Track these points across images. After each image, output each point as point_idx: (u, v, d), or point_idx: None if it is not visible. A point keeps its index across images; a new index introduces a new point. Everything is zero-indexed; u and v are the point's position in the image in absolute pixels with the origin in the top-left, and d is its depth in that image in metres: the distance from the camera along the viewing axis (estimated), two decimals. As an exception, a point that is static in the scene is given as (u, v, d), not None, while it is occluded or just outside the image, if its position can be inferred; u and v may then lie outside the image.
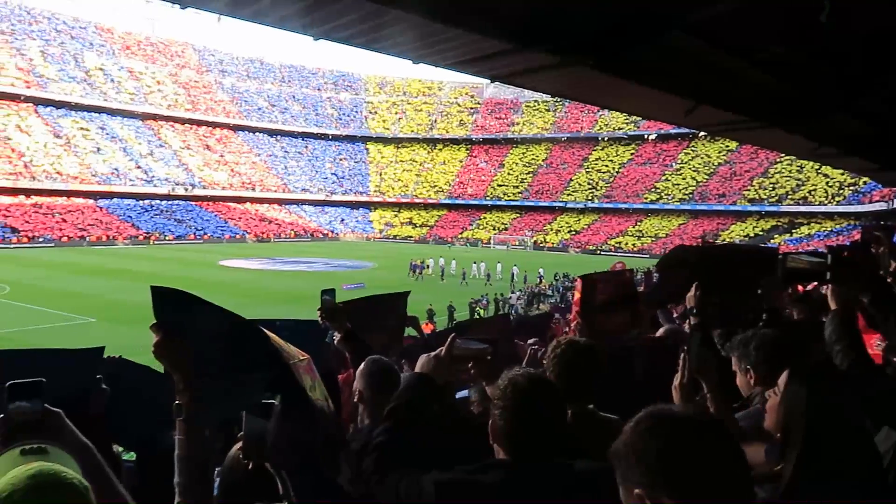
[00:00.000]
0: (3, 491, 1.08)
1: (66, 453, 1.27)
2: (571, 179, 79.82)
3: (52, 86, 70.30)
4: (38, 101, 68.83)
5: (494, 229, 75.89)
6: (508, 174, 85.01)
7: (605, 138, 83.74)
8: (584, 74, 5.55)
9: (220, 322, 1.85)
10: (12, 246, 50.79)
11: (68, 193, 61.68)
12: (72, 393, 2.13)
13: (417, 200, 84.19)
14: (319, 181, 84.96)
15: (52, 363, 2.34)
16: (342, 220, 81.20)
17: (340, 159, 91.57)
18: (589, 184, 77.80)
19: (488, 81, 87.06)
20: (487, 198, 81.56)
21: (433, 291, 30.30)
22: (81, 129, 69.98)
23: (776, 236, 58.02)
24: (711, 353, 2.67)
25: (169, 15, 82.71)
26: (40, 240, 53.47)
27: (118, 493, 1.40)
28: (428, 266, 41.92)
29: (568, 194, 77.39)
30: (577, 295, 3.87)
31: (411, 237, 76.50)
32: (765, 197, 64.94)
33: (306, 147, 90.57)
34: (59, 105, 70.27)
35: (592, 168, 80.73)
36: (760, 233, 60.99)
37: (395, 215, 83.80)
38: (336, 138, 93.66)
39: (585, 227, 72.28)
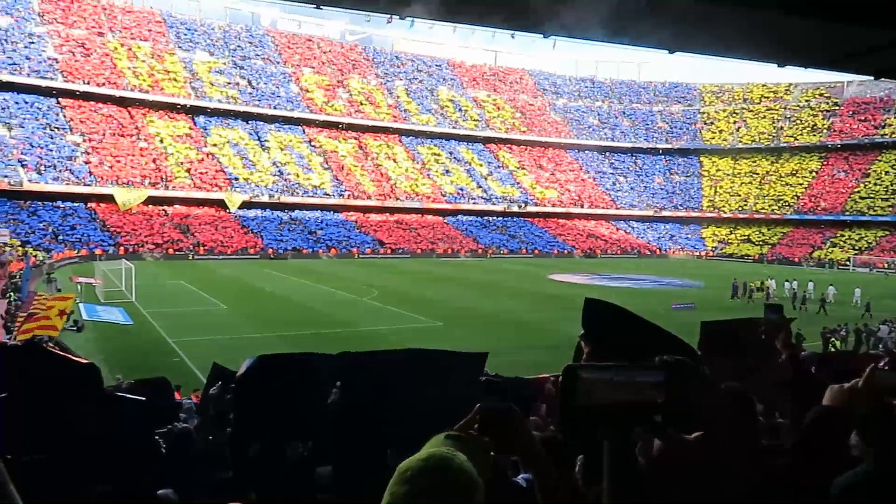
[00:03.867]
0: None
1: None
2: (966, 189, 64.94)
3: (412, 118, 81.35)
4: (402, 133, 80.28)
5: (854, 249, 65.45)
6: (875, 184, 72.62)
7: None
8: None
9: (649, 336, 1.80)
10: (380, 256, 59.86)
11: (422, 211, 70.46)
12: (466, 393, 2.30)
13: (757, 216, 76.88)
14: (648, 197, 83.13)
15: (450, 363, 2.59)
16: (671, 236, 78.13)
17: (671, 174, 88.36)
18: None
19: (849, 79, 75.38)
20: (846, 212, 70.73)
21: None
22: (434, 154, 79.42)
23: None
24: None
25: (509, 46, 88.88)
26: (399, 251, 61.97)
27: None
28: (766, 287, 37.66)
29: (960, 208, 63.11)
30: None
31: (748, 256, 70.08)
32: None
33: (635, 162, 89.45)
34: (417, 134, 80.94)
35: None
36: None
37: (731, 232, 77.70)
38: (667, 152, 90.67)
39: None
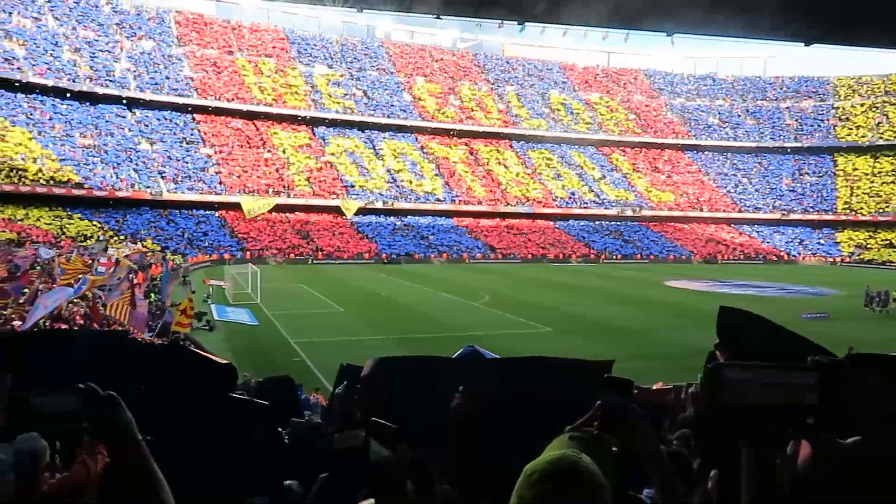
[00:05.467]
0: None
1: None
2: None
3: (523, 123, 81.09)
4: (512, 137, 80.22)
5: None
6: None
7: None
8: None
9: (790, 344, 1.72)
10: (490, 261, 60.03)
11: (533, 216, 69.97)
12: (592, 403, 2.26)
13: (901, 218, 70.47)
14: (774, 199, 78.19)
15: (575, 371, 2.56)
16: (801, 241, 73.03)
17: (801, 174, 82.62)
18: None
19: None
20: None
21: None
22: (545, 158, 78.72)
23: None
24: None
25: (622, 46, 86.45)
26: (510, 256, 61.85)
27: None
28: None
29: None
30: None
31: (891, 262, 64.27)
32: None
33: (759, 163, 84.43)
34: (528, 139, 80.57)
35: None
36: None
37: (870, 236, 71.56)
38: (796, 151, 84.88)
39: None
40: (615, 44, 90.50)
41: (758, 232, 74.34)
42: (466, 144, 77.65)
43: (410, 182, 68.85)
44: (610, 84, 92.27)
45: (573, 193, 73.93)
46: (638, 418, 1.48)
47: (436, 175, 71.05)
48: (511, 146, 79.56)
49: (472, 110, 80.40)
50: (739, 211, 76.31)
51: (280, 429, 3.81)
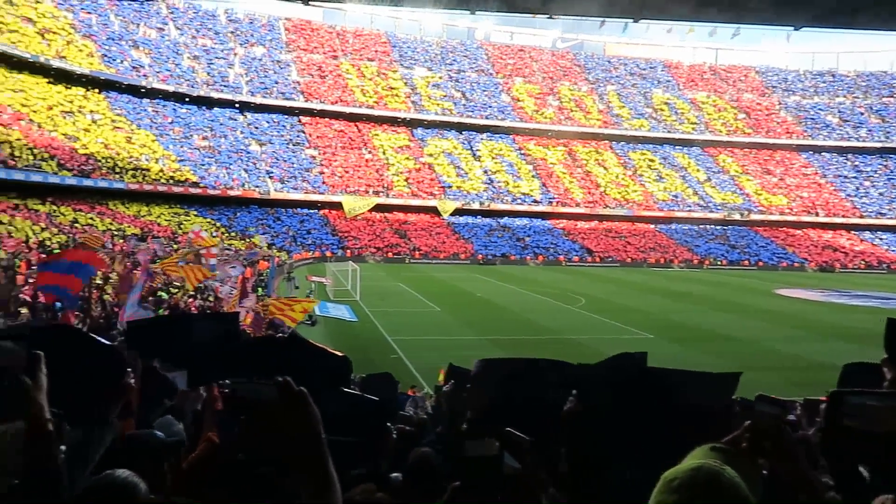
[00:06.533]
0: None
1: None
2: None
3: (624, 123, 79.05)
4: (612, 138, 78.35)
5: None
6: None
7: None
8: None
9: None
10: (587, 264, 58.94)
11: (633, 219, 68.04)
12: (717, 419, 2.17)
13: None
14: (901, 203, 72.34)
15: (697, 385, 2.47)
16: (931, 249, 67.21)
17: (932, 177, 76.02)
18: None
19: None
20: None
21: None
22: (647, 160, 76.39)
23: None
24: None
25: (731, 42, 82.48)
26: (608, 260, 60.46)
27: None
28: None
29: None
30: None
31: None
32: None
33: (885, 164, 78.32)
34: (629, 140, 78.46)
35: None
36: None
37: None
38: (927, 152, 78.18)
39: None
40: (723, 40, 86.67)
41: (881, 239, 68.98)
42: (565, 145, 76.57)
43: (507, 183, 68.67)
44: (718, 82, 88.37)
45: (676, 196, 71.32)
46: (791, 441, 1.39)
47: (533, 176, 70.51)
48: (611, 147, 77.75)
49: (572, 111, 79.19)
50: (860, 216, 71.06)
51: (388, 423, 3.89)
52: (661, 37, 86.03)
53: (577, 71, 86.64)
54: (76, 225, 37.22)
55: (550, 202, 67.55)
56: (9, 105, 44.06)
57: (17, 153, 39.13)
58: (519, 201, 67.03)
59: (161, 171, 52.48)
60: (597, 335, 24.93)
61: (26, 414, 1.64)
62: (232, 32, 73.86)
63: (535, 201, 67.40)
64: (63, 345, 2.30)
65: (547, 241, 63.16)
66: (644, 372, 2.61)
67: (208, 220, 52.15)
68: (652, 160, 76.48)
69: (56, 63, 52.02)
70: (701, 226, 68.75)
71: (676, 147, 78.95)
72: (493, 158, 72.01)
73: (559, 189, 69.36)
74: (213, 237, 34.36)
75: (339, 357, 3.32)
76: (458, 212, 64.48)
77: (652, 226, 67.91)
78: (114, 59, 59.39)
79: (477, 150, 72.90)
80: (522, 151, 74.25)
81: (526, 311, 30.99)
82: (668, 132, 79.01)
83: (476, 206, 65.34)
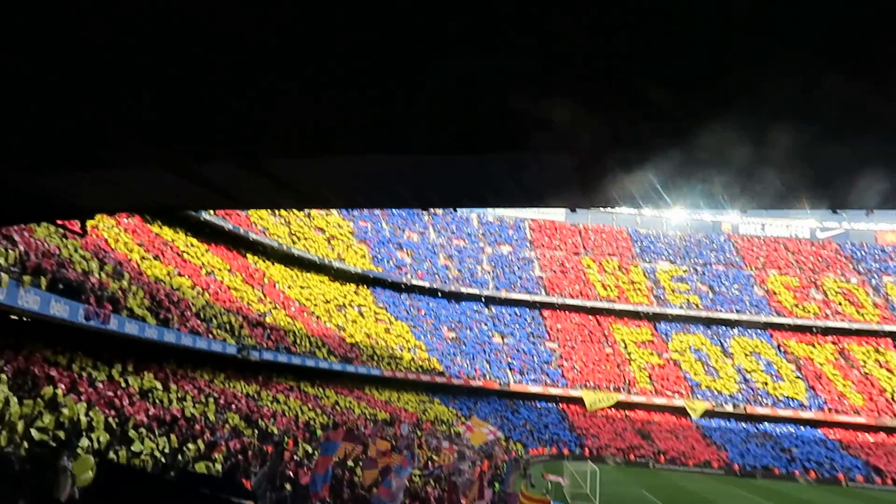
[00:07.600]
0: None
1: None
2: None
3: (910, 319, 68.64)
4: (894, 335, 67.96)
5: None
6: None
7: None
8: None
9: None
10: (877, 487, 48.98)
11: (935, 433, 56.24)
12: None
13: None
14: None
15: None
16: None
17: None
18: None
19: None
20: None
21: None
22: (946, 362, 64.36)
23: None
24: None
25: None
26: (906, 483, 49.73)
27: None
28: None
29: None
30: None
31: None
32: None
33: None
34: (918, 338, 67.38)
35: None
36: None
37: None
38: None
39: None
40: None
41: None
42: (834, 343, 67.94)
43: (766, 384, 61.86)
44: None
45: None
46: None
47: (797, 377, 62.81)
48: (894, 346, 67.22)
49: (840, 304, 71.08)
50: None
51: None
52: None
53: (843, 261, 78.90)
54: (336, 407, 40.76)
55: (821, 408, 58.95)
56: (296, 299, 51.67)
57: (298, 341, 45.02)
58: (782, 405, 59.51)
59: (412, 359, 56.37)
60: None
61: None
62: (482, 234, 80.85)
63: (802, 405, 59.31)
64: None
65: (820, 454, 54.32)
66: None
67: (451, 408, 53.88)
68: (953, 363, 64.26)
69: (336, 264, 60.69)
70: None
71: None
72: (746, 356, 66.10)
73: (831, 393, 60.57)
74: (483, 432, 33.15)
75: None
76: (709, 414, 58.96)
77: (963, 444, 55.36)
78: (382, 260, 67.84)
79: (728, 346, 67.74)
80: (782, 349, 67.28)
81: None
82: (972, 330, 66.64)
83: (730, 408, 59.29)
